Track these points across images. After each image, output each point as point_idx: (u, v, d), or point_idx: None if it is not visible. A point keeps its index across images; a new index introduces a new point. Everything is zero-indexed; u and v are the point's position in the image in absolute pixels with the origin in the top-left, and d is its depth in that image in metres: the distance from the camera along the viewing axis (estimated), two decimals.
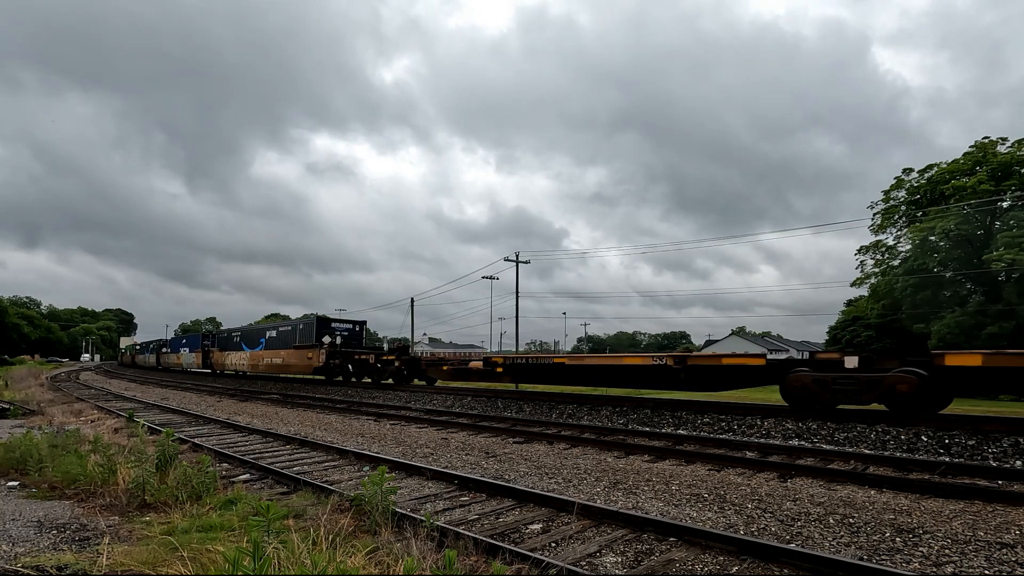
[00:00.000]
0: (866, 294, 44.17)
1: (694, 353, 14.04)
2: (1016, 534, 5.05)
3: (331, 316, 32.56)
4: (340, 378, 27.77)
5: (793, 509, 5.95)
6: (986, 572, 4.24)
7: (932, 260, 36.74)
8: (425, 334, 74.03)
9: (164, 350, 51.19)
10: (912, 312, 36.51)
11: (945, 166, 38.11)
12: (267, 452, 9.69)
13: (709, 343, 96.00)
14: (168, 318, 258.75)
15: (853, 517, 5.61)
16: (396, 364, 23.64)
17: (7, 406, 16.00)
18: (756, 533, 5.20)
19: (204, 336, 42.75)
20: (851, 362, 10.79)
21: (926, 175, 39.33)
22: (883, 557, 4.56)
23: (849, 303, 50.11)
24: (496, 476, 7.63)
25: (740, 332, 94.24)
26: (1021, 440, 8.57)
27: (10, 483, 7.14)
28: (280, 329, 31.71)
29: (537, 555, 4.31)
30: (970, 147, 37.30)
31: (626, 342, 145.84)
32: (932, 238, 36.12)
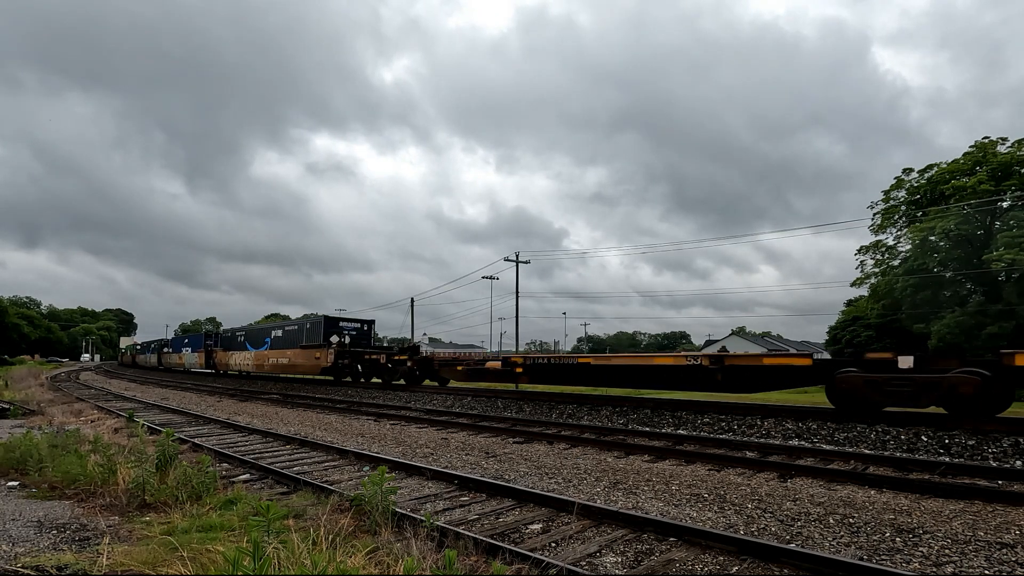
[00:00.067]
0: (866, 294, 44.14)
1: (732, 353, 13.24)
2: (1016, 534, 5.04)
3: (337, 315, 31.81)
4: (349, 379, 27.09)
5: (793, 509, 5.95)
6: (986, 572, 4.24)
7: (932, 260, 36.71)
8: (425, 334, 74.02)
9: (166, 350, 50.96)
10: (912, 312, 36.49)
11: (945, 166, 38.08)
12: (267, 452, 9.69)
13: (709, 343, 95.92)
14: (168, 318, 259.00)
15: (853, 517, 5.61)
16: (409, 364, 22.84)
17: (7, 406, 16.00)
18: (756, 533, 5.20)
19: (207, 336, 42.39)
20: (905, 362, 10.19)
21: (926, 175, 39.30)
22: (883, 557, 4.56)
23: (849, 303, 50.10)
24: (496, 476, 7.63)
25: (740, 332, 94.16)
26: (1021, 440, 8.57)
27: (10, 483, 7.14)
28: (286, 328, 31.20)
29: (537, 555, 4.31)
30: (970, 147, 37.28)
31: (626, 342, 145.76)
32: (932, 238, 36.10)
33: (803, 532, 5.21)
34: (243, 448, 10.06)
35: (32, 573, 4.00)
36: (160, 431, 8.03)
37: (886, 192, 41.86)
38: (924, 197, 39.14)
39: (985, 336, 31.36)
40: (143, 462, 6.42)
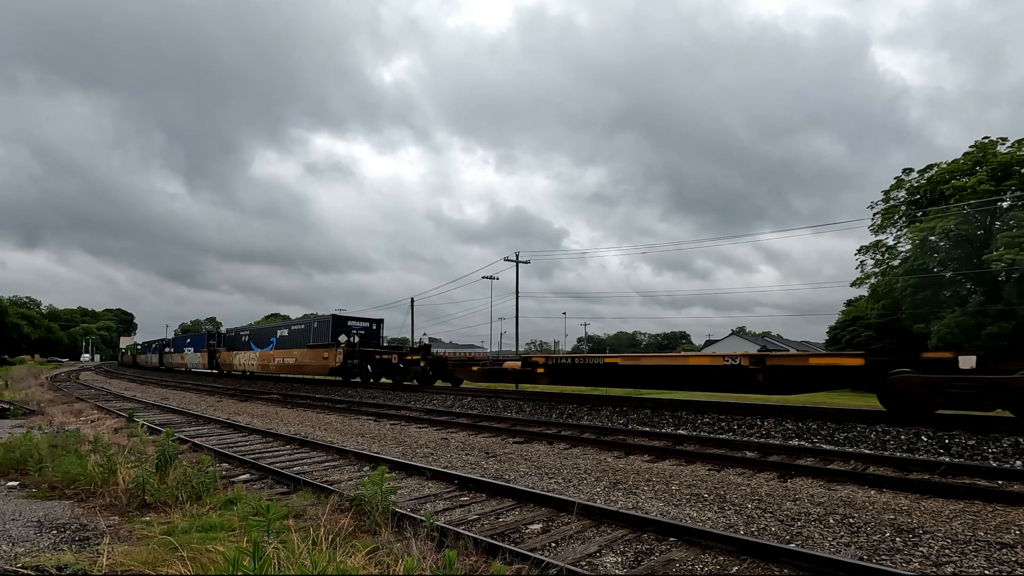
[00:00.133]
0: (866, 294, 44.11)
1: (774, 353, 12.54)
2: (1016, 534, 5.04)
3: (345, 315, 30.91)
4: (358, 379, 26.24)
5: (793, 509, 5.95)
6: (986, 572, 4.24)
7: (932, 260, 36.69)
8: (425, 334, 73.76)
9: (167, 350, 50.65)
10: (912, 312, 36.47)
11: (945, 166, 38.06)
12: (267, 452, 9.69)
13: (709, 343, 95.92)
14: (168, 318, 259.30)
15: (853, 517, 5.61)
16: (422, 364, 22.00)
17: (7, 406, 16.00)
18: (756, 533, 5.20)
19: (210, 336, 41.88)
20: (967, 362, 9.72)
21: (926, 175, 39.28)
22: (883, 557, 4.56)
23: (849, 303, 50.06)
24: (496, 476, 7.63)
25: (740, 332, 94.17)
26: (1021, 440, 8.57)
27: (10, 483, 7.14)
28: (292, 328, 30.55)
29: (537, 555, 4.31)
30: (970, 147, 37.27)
31: (626, 342, 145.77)
32: (932, 238, 36.08)
33: (803, 532, 5.21)
34: (243, 448, 10.06)
35: (32, 573, 4.00)
36: (160, 431, 8.02)
37: (886, 192, 41.84)
38: (924, 197, 39.13)
39: (985, 336, 31.35)
40: (143, 462, 6.41)
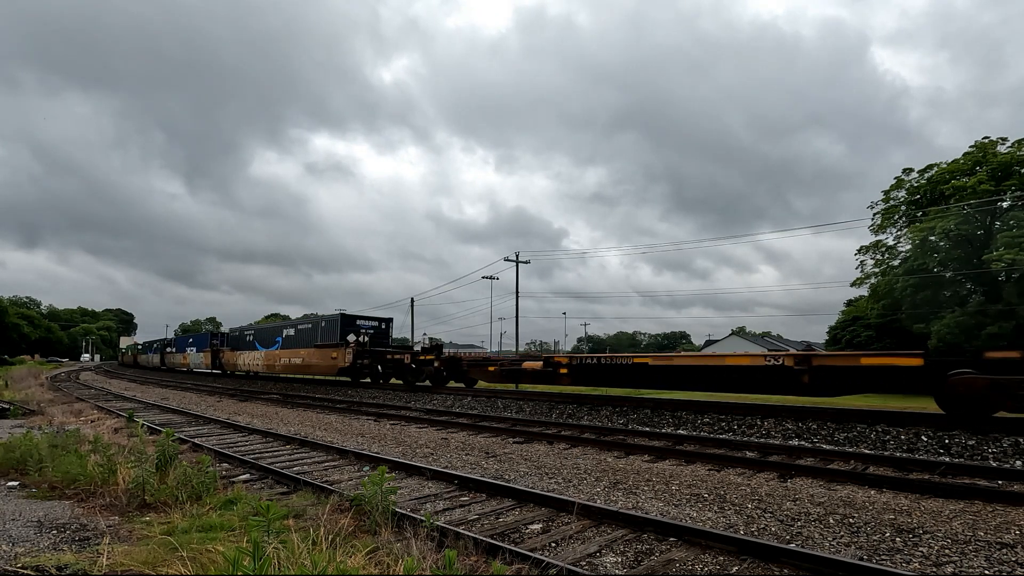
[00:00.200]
0: (866, 294, 44.12)
1: (820, 352, 11.70)
2: (1016, 534, 5.04)
3: (354, 313, 29.91)
4: (368, 380, 25.58)
5: (793, 509, 5.95)
6: (986, 572, 4.24)
7: (932, 260, 36.70)
8: (425, 334, 73.99)
9: (169, 350, 50.39)
10: (912, 312, 36.47)
11: (945, 166, 38.07)
12: (267, 452, 9.69)
13: (709, 343, 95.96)
14: (168, 318, 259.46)
15: (853, 517, 5.61)
16: (435, 364, 21.42)
17: (7, 406, 16.00)
18: (756, 533, 5.20)
19: (213, 335, 41.45)
20: None
21: (926, 175, 39.29)
22: (883, 557, 4.56)
23: (849, 303, 50.04)
24: (496, 476, 7.63)
25: (740, 332, 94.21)
26: (1021, 440, 8.57)
27: (10, 483, 7.14)
28: (299, 327, 29.94)
29: (537, 555, 4.31)
30: (970, 147, 37.28)
31: (626, 342, 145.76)
32: (932, 238, 36.08)
33: (803, 532, 5.21)
34: (243, 448, 10.06)
35: (32, 573, 4.00)
36: (160, 431, 8.03)
37: (886, 192, 41.85)
38: (924, 197, 39.13)
39: (985, 336, 31.35)
40: (143, 462, 6.41)
